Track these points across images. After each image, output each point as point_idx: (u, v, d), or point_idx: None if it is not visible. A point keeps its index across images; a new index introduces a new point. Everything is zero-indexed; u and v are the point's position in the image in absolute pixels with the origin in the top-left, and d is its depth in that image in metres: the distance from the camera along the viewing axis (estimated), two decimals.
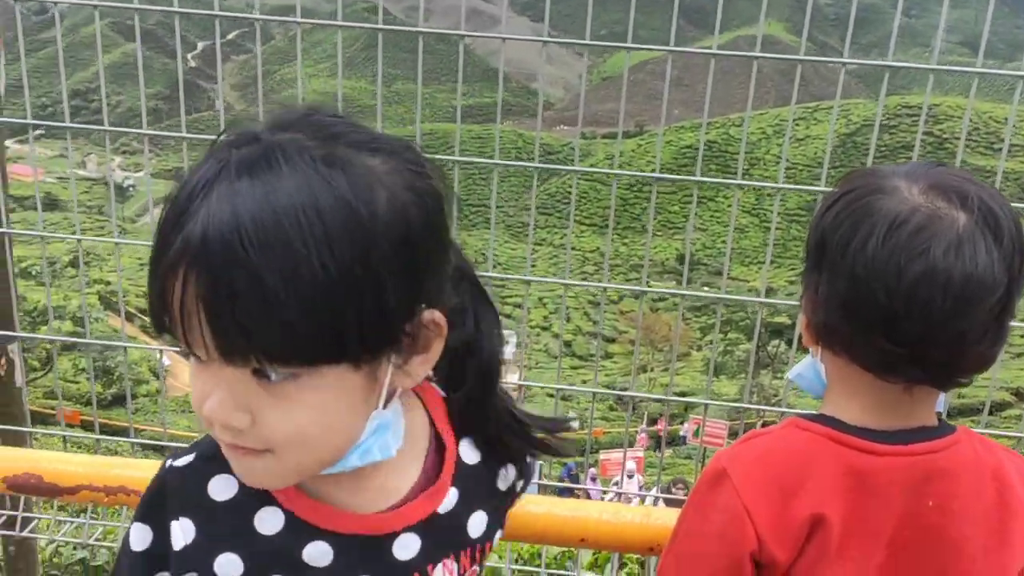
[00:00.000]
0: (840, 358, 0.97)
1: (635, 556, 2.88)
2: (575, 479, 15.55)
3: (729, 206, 79.66)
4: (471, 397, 0.88)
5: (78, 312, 26.73)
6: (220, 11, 1.83)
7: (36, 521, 2.14)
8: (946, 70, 1.61)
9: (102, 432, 2.14)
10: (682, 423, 25.64)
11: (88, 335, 2.34)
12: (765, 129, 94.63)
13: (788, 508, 0.93)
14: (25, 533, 2.06)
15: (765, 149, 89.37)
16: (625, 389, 35.15)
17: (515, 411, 0.93)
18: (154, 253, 0.68)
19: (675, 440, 25.40)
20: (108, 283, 42.34)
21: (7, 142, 2.47)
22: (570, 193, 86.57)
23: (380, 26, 1.73)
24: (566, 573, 2.14)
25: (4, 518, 2.03)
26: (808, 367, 1.06)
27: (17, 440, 2.14)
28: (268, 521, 0.80)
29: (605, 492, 11.55)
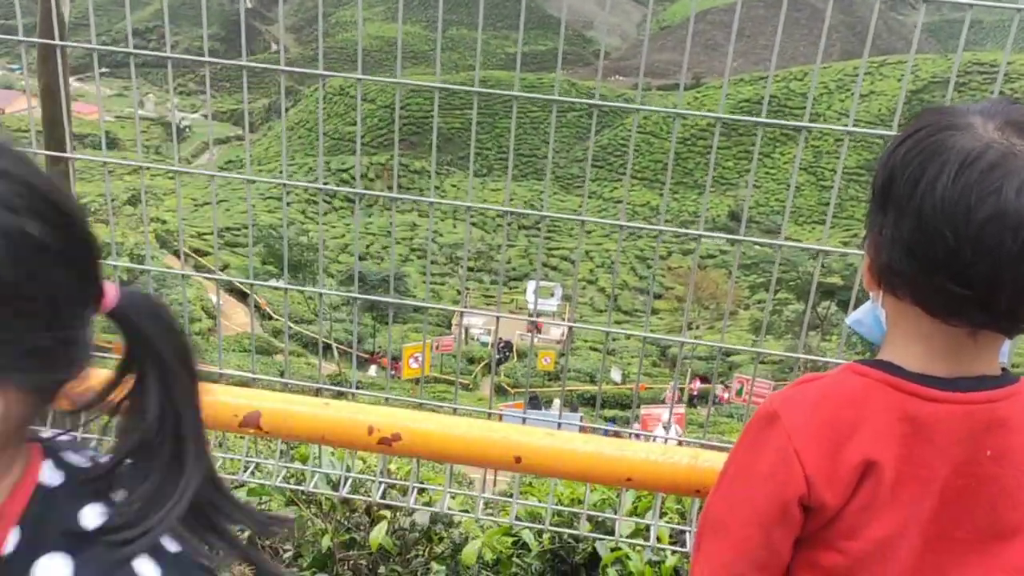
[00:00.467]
0: (902, 302, 0.95)
1: (675, 507, 2.91)
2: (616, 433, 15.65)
3: (786, 162, 77.86)
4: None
5: (135, 249, 27.36)
6: None
7: None
8: None
9: None
10: (723, 384, 25.53)
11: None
12: (828, 84, 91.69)
13: (840, 452, 0.93)
14: None
15: (827, 104, 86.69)
16: (670, 346, 35.02)
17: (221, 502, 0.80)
18: None
19: (715, 400, 25.31)
20: (164, 222, 43.26)
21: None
22: (623, 146, 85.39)
23: None
24: (607, 515, 2.17)
25: None
26: (867, 313, 1.05)
27: None
28: None
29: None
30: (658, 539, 2.59)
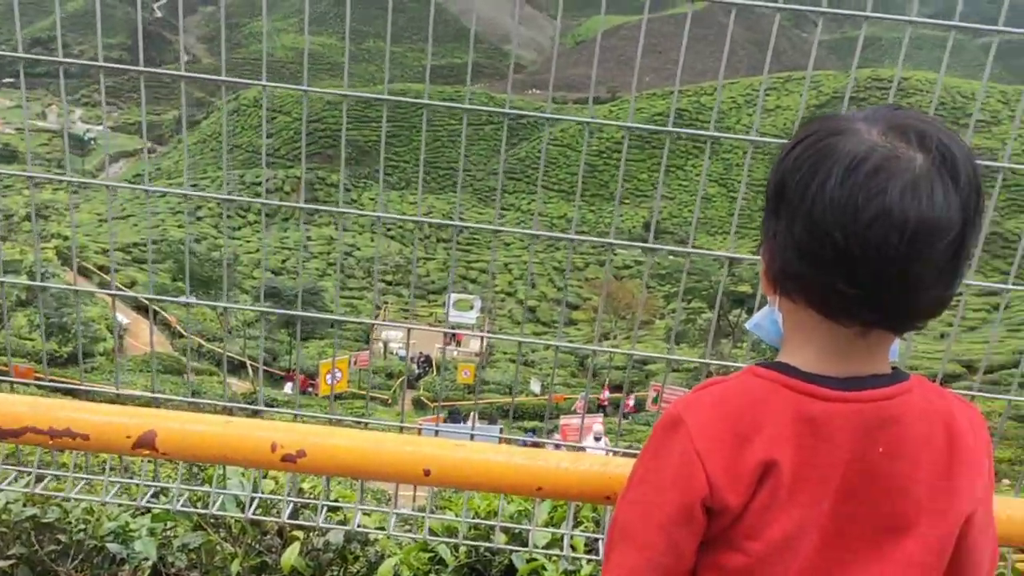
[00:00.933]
0: (797, 304, 0.98)
1: (591, 515, 2.92)
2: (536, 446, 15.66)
3: (698, 174, 79.90)
4: None
5: (34, 267, 26.16)
6: None
7: None
8: (922, 22, 1.61)
9: (56, 391, 2.12)
10: (625, 393, 25.99)
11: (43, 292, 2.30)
12: (736, 99, 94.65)
13: (741, 453, 0.95)
14: None
15: (736, 118, 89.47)
16: (587, 356, 35.40)
17: None
18: None
19: (637, 407, 25.69)
20: (66, 238, 41.50)
21: None
22: (539, 157, 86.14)
23: None
24: (522, 526, 2.16)
25: None
26: (765, 316, 1.08)
27: None
28: None
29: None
30: (573, 548, 2.60)
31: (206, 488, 2.21)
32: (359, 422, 1.96)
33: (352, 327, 37.42)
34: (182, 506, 2.03)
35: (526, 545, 2.21)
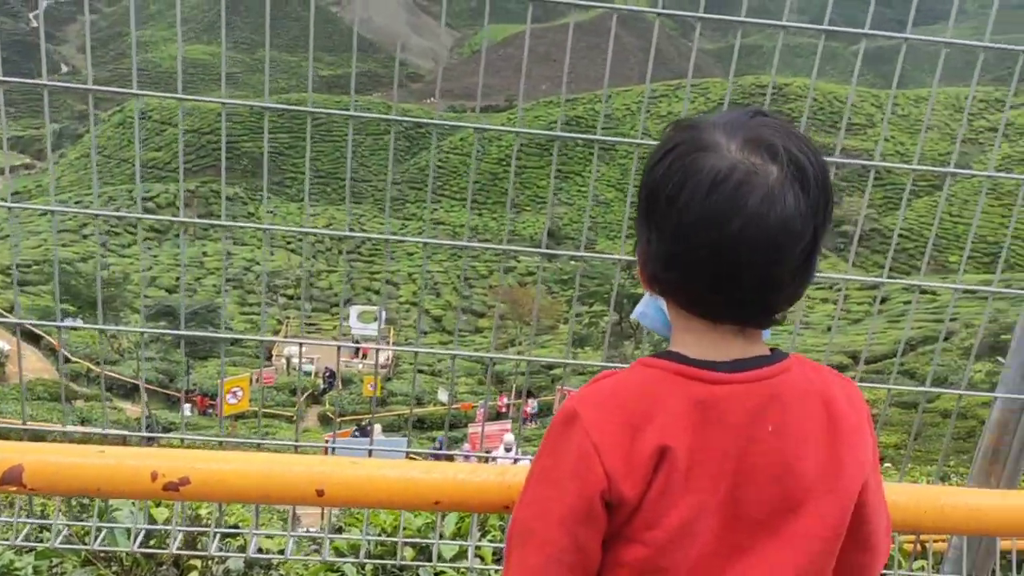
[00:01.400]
0: (671, 301, 1.05)
1: (499, 523, 2.90)
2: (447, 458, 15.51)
3: (597, 180, 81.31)
4: None
5: None
6: None
7: None
8: (794, 27, 1.67)
9: None
10: (527, 397, 26.21)
11: None
12: (630, 106, 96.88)
13: (635, 443, 0.96)
14: None
15: (630, 125, 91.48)
16: (495, 362, 35.42)
17: None
18: None
19: (541, 412, 25.88)
20: None
21: None
22: (441, 167, 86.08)
23: None
24: (427, 541, 2.13)
25: None
26: (649, 304, 1.13)
27: None
28: None
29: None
30: (481, 559, 2.57)
31: (89, 523, 2.09)
32: (253, 444, 1.89)
33: (253, 343, 36.39)
34: (61, 542, 1.91)
35: (432, 559, 2.18)
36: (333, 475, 1.30)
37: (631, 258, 1.97)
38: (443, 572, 2.37)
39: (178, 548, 2.01)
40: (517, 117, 2.19)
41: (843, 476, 1.02)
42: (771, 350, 1.04)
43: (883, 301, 45.41)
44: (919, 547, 2.04)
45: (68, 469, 1.24)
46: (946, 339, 30.87)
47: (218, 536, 1.90)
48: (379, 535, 2.99)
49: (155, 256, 58.45)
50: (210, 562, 2.37)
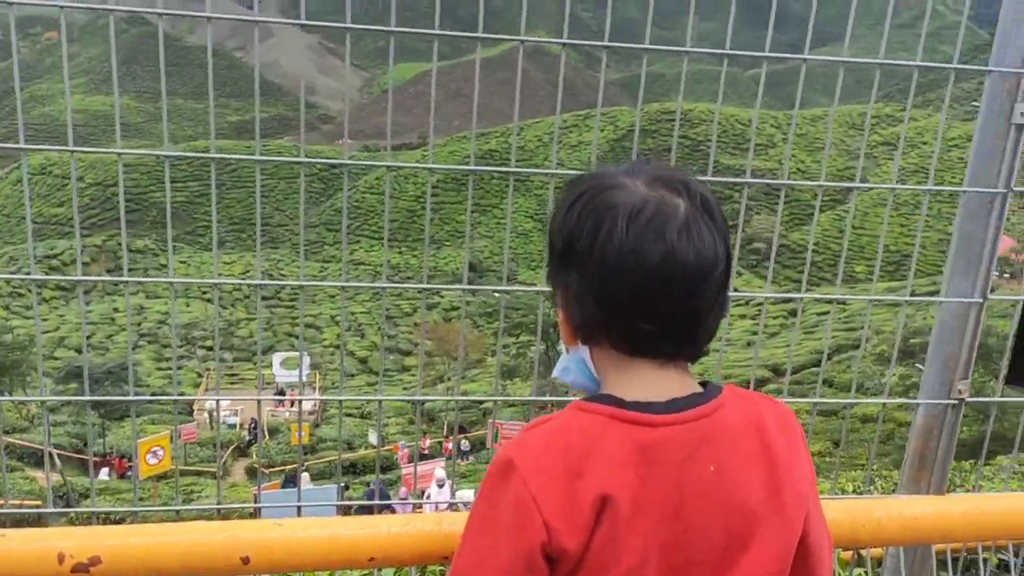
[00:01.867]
0: (602, 347, 1.03)
1: (440, 569, 2.83)
2: (384, 496, 15.21)
3: (514, 212, 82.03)
4: None
5: None
6: None
7: None
8: (696, 52, 1.70)
9: None
10: (449, 432, 26.06)
11: None
12: (542, 137, 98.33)
13: (575, 492, 0.93)
14: None
15: (543, 156, 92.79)
16: (424, 401, 35.02)
17: None
18: None
19: (475, 447, 25.68)
20: None
21: None
22: (357, 207, 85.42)
23: (348, 25, 1.56)
24: None
25: None
26: (571, 360, 1.09)
27: None
28: None
29: (419, 507, 11.30)
30: None
31: None
32: (172, 511, 1.78)
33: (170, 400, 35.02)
34: None
35: None
36: (258, 540, 1.23)
37: (547, 289, 1.96)
38: None
39: None
40: (429, 154, 2.17)
41: (786, 506, 1.01)
42: (703, 384, 1.04)
43: (795, 314, 46.89)
44: (855, 555, 2.07)
45: None
46: (858, 346, 32.01)
47: None
48: None
49: (62, 316, 56.13)
50: None
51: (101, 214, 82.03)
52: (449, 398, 1.71)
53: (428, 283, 1.80)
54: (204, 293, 59.50)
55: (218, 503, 1.77)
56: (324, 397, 1.89)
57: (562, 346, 1.14)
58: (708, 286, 0.97)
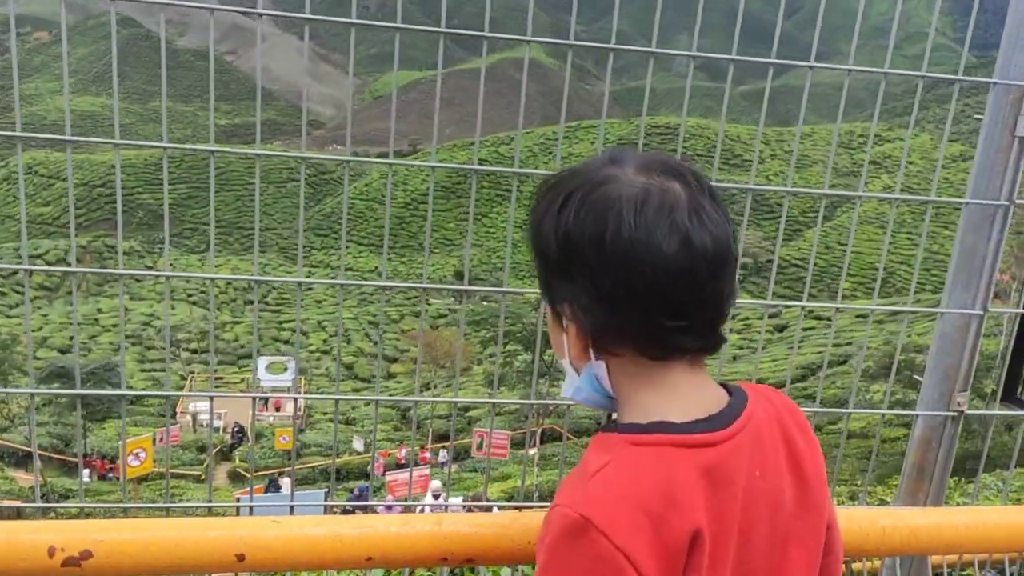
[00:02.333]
0: (622, 357, 0.95)
1: (426, 574, 2.80)
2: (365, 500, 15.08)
3: (503, 221, 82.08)
4: None
5: None
6: None
7: None
8: (703, 56, 1.70)
9: None
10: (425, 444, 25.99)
11: None
12: (532, 147, 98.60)
13: (664, 535, 0.86)
14: None
15: (533, 166, 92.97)
16: (410, 408, 34.96)
17: None
18: None
19: (459, 455, 25.59)
20: None
21: None
22: (347, 212, 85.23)
23: (352, 20, 1.54)
24: None
25: None
26: (586, 379, 1.00)
27: None
28: None
29: (409, 510, 11.21)
30: None
31: None
32: (161, 508, 1.75)
33: (155, 402, 34.85)
34: None
35: None
36: (254, 537, 1.21)
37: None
38: None
39: None
40: (432, 153, 2.15)
41: (814, 498, 1.00)
42: (727, 388, 1.00)
43: (782, 329, 47.12)
44: (849, 570, 2.06)
45: None
46: (844, 363, 32.17)
47: None
48: None
49: (45, 316, 55.69)
50: None
51: (87, 215, 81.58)
52: (446, 400, 1.69)
53: (424, 288, 1.79)
54: (189, 295, 59.19)
55: (208, 500, 1.74)
56: (319, 396, 1.86)
57: (567, 365, 1.03)
58: (728, 268, 0.92)
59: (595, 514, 0.86)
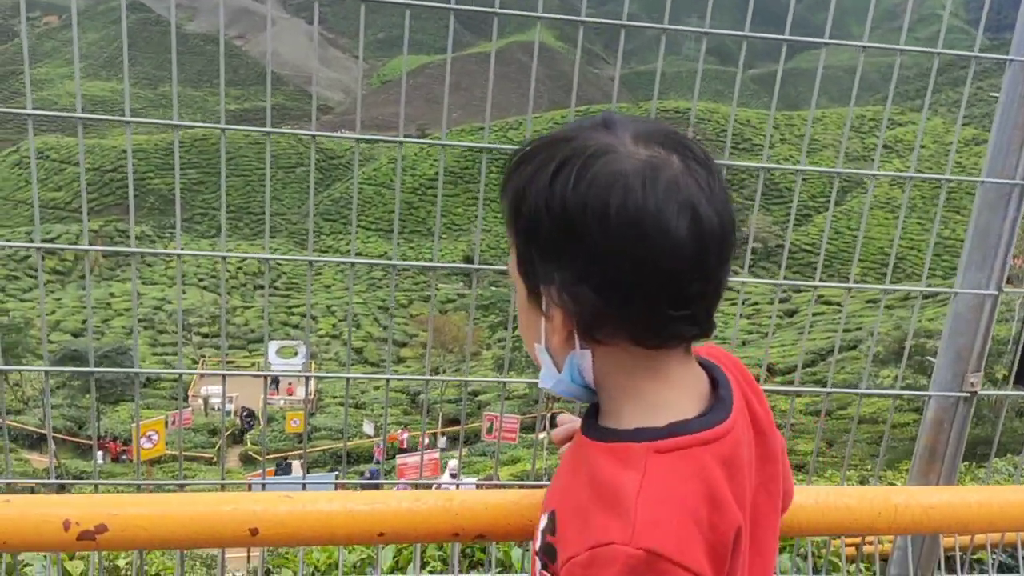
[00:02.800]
0: (615, 346, 0.87)
1: (437, 553, 2.82)
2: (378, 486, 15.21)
3: None
4: None
5: None
6: None
7: None
8: (717, 32, 1.69)
9: None
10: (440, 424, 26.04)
11: None
12: (541, 131, 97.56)
13: (713, 541, 0.83)
14: None
15: None
16: (419, 392, 35.07)
17: None
18: None
19: (468, 439, 25.68)
20: None
21: None
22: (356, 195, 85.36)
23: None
24: None
25: None
26: (568, 367, 0.92)
27: None
28: None
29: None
30: None
31: None
32: (177, 485, 1.76)
33: (167, 386, 35.11)
34: None
35: None
36: (267, 512, 1.21)
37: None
38: None
39: None
40: (442, 133, 2.15)
41: (769, 446, 0.99)
42: (706, 369, 0.95)
43: (792, 314, 47.03)
44: (859, 549, 2.06)
45: None
46: (853, 347, 32.11)
47: None
48: (312, 575, 2.86)
49: (58, 300, 56.04)
50: None
51: (99, 199, 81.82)
52: (458, 379, 1.70)
53: (431, 273, 1.79)
54: (200, 280, 59.43)
55: (221, 479, 1.76)
56: (330, 375, 1.87)
57: (541, 352, 0.94)
58: (732, 250, 0.85)
59: (659, 545, 0.80)
